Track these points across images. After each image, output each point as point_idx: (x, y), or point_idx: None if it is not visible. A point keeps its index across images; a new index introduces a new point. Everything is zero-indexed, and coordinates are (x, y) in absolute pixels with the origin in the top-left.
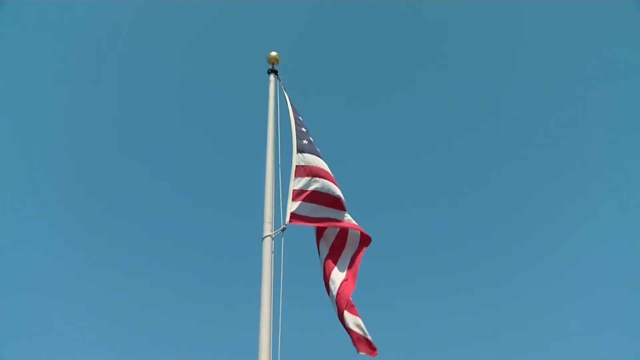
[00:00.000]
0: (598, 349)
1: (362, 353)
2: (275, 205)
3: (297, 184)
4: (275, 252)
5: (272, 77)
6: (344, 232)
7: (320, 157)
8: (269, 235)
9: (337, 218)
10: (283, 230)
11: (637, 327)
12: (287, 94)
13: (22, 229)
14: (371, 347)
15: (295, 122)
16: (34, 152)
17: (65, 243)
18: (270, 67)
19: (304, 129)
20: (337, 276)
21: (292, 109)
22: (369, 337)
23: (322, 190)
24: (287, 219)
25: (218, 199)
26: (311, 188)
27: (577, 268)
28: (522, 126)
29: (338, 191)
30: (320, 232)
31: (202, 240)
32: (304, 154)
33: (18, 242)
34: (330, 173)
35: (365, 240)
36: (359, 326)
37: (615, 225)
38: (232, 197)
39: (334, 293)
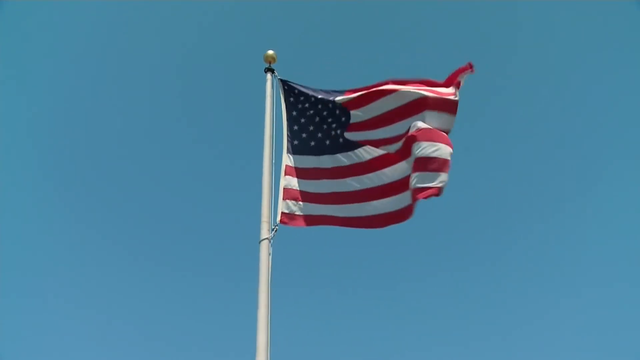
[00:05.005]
0: (599, 348)
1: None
2: (274, 205)
3: (286, 183)
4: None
5: (268, 75)
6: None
7: (317, 154)
8: (267, 238)
9: (335, 214)
10: (275, 230)
11: (637, 325)
12: (283, 90)
13: (22, 229)
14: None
15: (289, 121)
16: (34, 152)
17: (65, 243)
18: (267, 65)
19: (295, 127)
20: None
21: (287, 103)
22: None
23: (311, 190)
24: (279, 218)
25: (215, 199)
26: (299, 188)
27: (576, 267)
28: (520, 125)
29: (335, 186)
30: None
31: (199, 239)
32: (293, 155)
33: (18, 242)
34: (329, 166)
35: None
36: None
37: (614, 224)
38: (230, 197)
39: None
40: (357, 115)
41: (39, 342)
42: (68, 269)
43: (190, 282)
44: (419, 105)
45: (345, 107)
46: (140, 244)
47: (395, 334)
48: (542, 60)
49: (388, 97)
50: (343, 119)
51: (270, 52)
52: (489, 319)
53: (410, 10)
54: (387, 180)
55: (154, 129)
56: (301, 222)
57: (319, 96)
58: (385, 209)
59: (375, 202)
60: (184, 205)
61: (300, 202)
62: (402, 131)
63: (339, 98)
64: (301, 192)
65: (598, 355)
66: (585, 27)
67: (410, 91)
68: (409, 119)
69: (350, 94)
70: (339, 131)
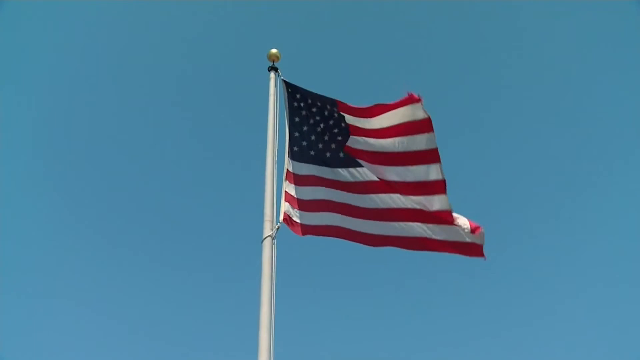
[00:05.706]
0: (599, 348)
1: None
2: (276, 204)
3: (287, 187)
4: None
5: (272, 74)
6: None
7: (316, 164)
8: (270, 235)
9: (338, 224)
10: (277, 228)
11: (637, 325)
12: (287, 92)
13: (22, 229)
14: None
15: (291, 126)
16: (33, 152)
17: (65, 243)
18: (271, 64)
19: (297, 134)
20: None
21: (290, 108)
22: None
23: (307, 197)
24: (281, 217)
25: (218, 198)
26: (296, 195)
27: (576, 267)
28: (520, 125)
29: (340, 197)
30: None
31: (202, 239)
32: (292, 161)
33: (18, 242)
34: (329, 177)
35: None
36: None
37: (614, 224)
38: (233, 197)
39: None
40: (356, 141)
41: (39, 342)
42: (68, 269)
43: (193, 282)
44: (425, 155)
45: (348, 127)
46: (143, 243)
47: (397, 333)
48: (542, 60)
49: (392, 139)
50: (339, 138)
51: (274, 50)
52: (489, 319)
53: (412, 10)
54: (409, 206)
55: (157, 128)
56: (298, 231)
57: (323, 104)
58: (432, 235)
59: (410, 224)
60: (186, 205)
61: (297, 210)
62: (409, 179)
63: (344, 116)
64: (298, 200)
65: (598, 355)
66: (585, 27)
67: (412, 140)
68: (415, 167)
69: (345, 110)
70: (339, 147)
